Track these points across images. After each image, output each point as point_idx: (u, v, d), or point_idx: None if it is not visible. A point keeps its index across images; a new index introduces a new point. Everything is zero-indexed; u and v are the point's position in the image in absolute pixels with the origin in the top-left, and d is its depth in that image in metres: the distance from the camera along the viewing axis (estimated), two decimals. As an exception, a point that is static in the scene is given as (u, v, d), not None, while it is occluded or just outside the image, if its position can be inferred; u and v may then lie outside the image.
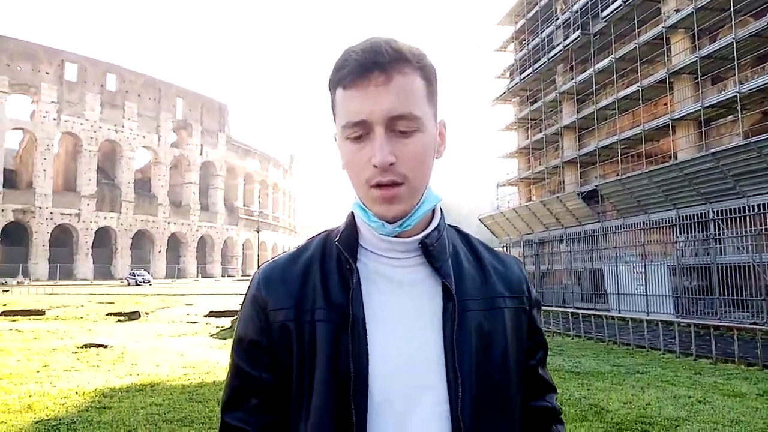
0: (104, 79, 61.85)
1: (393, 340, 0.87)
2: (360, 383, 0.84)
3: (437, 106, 0.92)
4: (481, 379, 0.88)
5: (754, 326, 12.11)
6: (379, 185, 0.85)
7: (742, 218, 17.14)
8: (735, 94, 20.43)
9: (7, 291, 33.89)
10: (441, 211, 0.98)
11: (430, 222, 0.95)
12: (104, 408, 6.94)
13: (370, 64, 0.83)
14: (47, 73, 56.31)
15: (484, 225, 38.97)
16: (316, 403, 0.86)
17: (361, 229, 0.94)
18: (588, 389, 8.11)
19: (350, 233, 0.94)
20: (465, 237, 1.03)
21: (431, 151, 0.90)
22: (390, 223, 0.88)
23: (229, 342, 13.64)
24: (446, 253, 0.93)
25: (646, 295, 18.41)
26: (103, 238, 60.90)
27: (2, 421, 6.22)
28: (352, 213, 0.96)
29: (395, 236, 0.91)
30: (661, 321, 13.52)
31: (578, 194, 27.54)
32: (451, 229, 1.02)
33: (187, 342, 13.53)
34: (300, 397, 0.88)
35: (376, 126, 0.83)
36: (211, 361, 10.54)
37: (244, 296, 0.99)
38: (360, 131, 0.85)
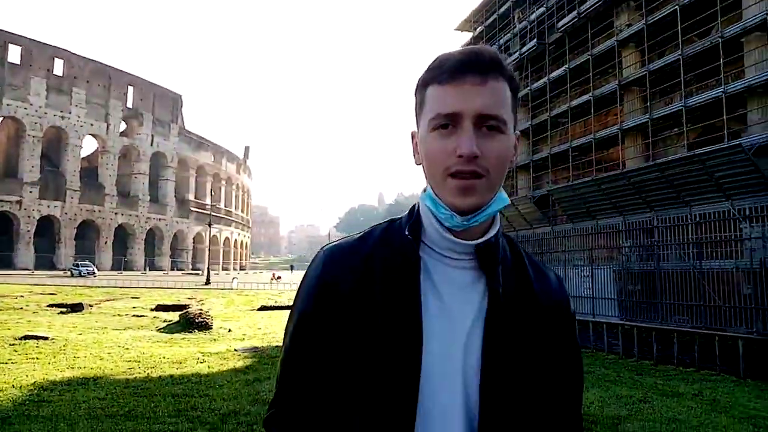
0: (51, 63, 59.45)
1: (443, 333, 0.91)
2: (411, 371, 0.88)
3: (517, 120, 0.98)
4: (515, 387, 0.92)
5: (693, 330, 12.64)
6: (458, 174, 0.88)
7: (685, 226, 17.86)
8: (681, 107, 21.28)
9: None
10: (500, 220, 1.02)
11: (489, 228, 0.98)
12: (43, 402, 6.68)
13: (470, 65, 0.89)
14: (-11, 53, 53.74)
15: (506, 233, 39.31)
16: (369, 387, 0.90)
17: (428, 227, 0.97)
18: (535, 388, 8.30)
19: (417, 226, 0.97)
20: (515, 247, 1.06)
21: (510, 155, 0.94)
22: (460, 215, 0.90)
23: (177, 336, 13.39)
24: (498, 259, 0.97)
25: (593, 297, 18.96)
26: (47, 228, 58.56)
27: (-68, 414, 5.91)
28: (417, 207, 1.00)
29: (457, 236, 0.94)
30: (606, 323, 13.95)
31: (530, 198, 28.13)
32: (504, 237, 1.05)
33: (133, 335, 13.15)
34: (353, 382, 0.91)
35: (466, 120, 0.88)
36: (156, 356, 10.28)
37: (304, 274, 1.02)
38: (448, 123, 0.89)
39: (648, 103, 23.70)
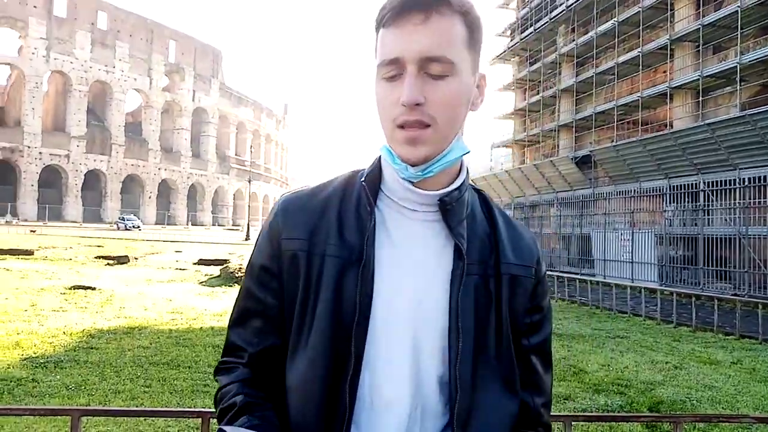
0: (95, 16, 60.11)
1: (399, 286, 0.89)
2: (362, 320, 0.86)
3: (479, 58, 0.91)
4: (479, 342, 0.90)
5: (734, 297, 12.34)
6: (404, 125, 0.84)
7: (732, 191, 17.25)
8: (735, 64, 20.21)
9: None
10: (467, 171, 0.98)
11: (455, 180, 0.94)
12: (91, 348, 7.03)
13: (410, 3, 0.82)
14: (35, 7, 54.56)
15: (476, 186, 38.91)
16: (316, 334, 0.88)
17: (385, 173, 0.94)
18: (568, 350, 8.30)
19: (375, 176, 0.94)
20: (486, 202, 1.02)
21: (464, 100, 0.89)
22: (413, 166, 0.87)
23: (218, 290, 13.77)
24: (463, 214, 0.93)
25: (632, 262, 18.66)
26: (93, 181, 60.37)
27: (-10, 358, 6.28)
28: (380, 157, 0.96)
29: (418, 187, 0.90)
30: (644, 288, 13.75)
31: (572, 159, 27.51)
32: (474, 192, 1.02)
33: (176, 288, 13.62)
34: (301, 326, 0.90)
35: (409, 65, 0.83)
36: (198, 308, 10.65)
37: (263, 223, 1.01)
38: (393, 70, 0.84)
39: (700, 60, 22.61)
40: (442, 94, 0.84)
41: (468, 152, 0.93)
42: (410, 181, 0.90)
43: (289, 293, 0.92)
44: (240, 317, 0.97)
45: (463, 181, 0.95)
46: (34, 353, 6.65)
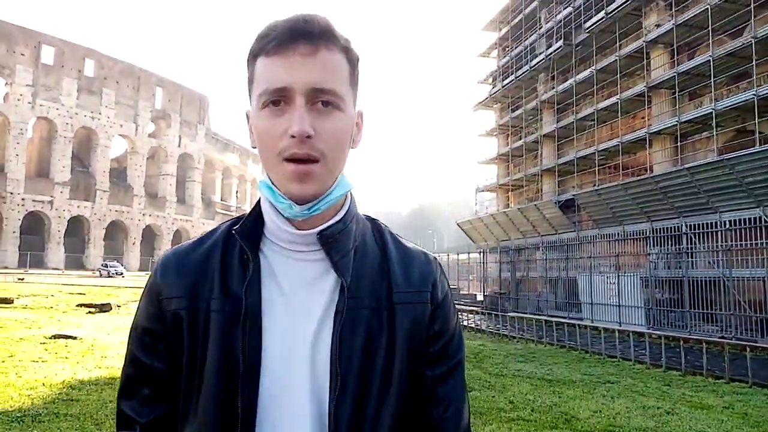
0: (82, 63, 60.62)
1: (287, 334, 0.84)
2: (250, 376, 0.82)
3: (357, 95, 0.90)
4: (363, 380, 0.84)
5: (722, 340, 12.37)
6: (294, 158, 0.80)
7: (714, 233, 17.50)
8: (711, 110, 20.87)
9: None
10: (352, 201, 0.94)
11: (337, 213, 0.90)
12: (72, 400, 6.81)
13: (298, 32, 0.80)
14: (23, 54, 54.92)
15: (462, 230, 39.18)
16: (205, 395, 0.83)
17: (266, 218, 0.89)
18: (559, 397, 8.21)
19: (254, 222, 0.90)
20: (379, 230, 0.97)
21: (349, 135, 0.87)
22: (299, 204, 0.83)
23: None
24: (349, 246, 0.89)
25: (619, 305, 18.70)
26: (76, 228, 59.72)
27: (-35, 412, 6.06)
28: (259, 201, 0.92)
29: (300, 226, 0.87)
30: (632, 332, 13.75)
31: (555, 203, 27.85)
32: (368, 222, 0.98)
33: (159, 336, 13.33)
34: (190, 387, 0.85)
35: (298, 96, 0.80)
36: (182, 357, 10.41)
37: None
38: (279, 100, 0.81)
39: (677, 106, 23.30)
40: (331, 128, 0.82)
41: (351, 188, 0.91)
42: (291, 221, 0.87)
43: (175, 355, 0.87)
44: (127, 386, 0.92)
45: (347, 212, 0.91)
46: (11, 407, 6.42)
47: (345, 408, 0.82)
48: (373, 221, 0.99)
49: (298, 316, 0.85)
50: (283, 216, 0.87)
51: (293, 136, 0.79)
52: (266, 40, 0.81)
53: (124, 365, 0.94)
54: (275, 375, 0.83)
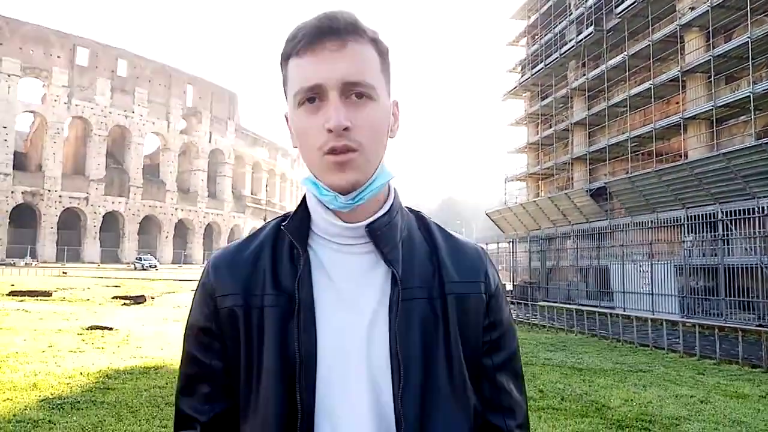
0: (115, 64, 61.90)
1: (343, 326, 0.85)
2: (307, 369, 0.83)
3: (390, 85, 0.91)
4: (426, 370, 0.85)
5: (759, 328, 12.04)
6: (333, 151, 0.82)
7: (752, 220, 17.02)
8: (748, 94, 20.23)
9: (21, 267, 34.19)
10: (396, 194, 0.95)
11: (383, 206, 0.91)
12: (108, 389, 7.00)
13: (325, 30, 0.82)
14: (59, 57, 56.39)
15: (491, 219, 38.90)
16: (264, 390, 0.84)
17: (314, 214, 0.91)
18: (590, 386, 8.11)
19: (301, 218, 0.92)
20: (424, 222, 0.99)
21: (385, 124, 0.88)
22: (343, 195, 0.85)
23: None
24: (397, 239, 0.90)
25: (652, 294, 18.35)
26: (111, 223, 61.19)
27: (8, 398, 6.28)
28: (305, 198, 0.94)
29: (347, 220, 0.88)
30: (665, 320, 13.48)
31: (587, 191, 27.42)
32: (411, 214, 0.99)
33: (192, 327, 13.59)
34: (249, 383, 0.87)
35: (331, 91, 0.82)
36: (214, 347, 10.59)
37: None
38: (314, 97, 0.83)
39: (712, 90, 22.64)
40: (366, 119, 0.83)
41: (393, 177, 0.92)
42: (337, 215, 0.89)
43: (232, 352, 0.89)
44: (186, 385, 0.93)
45: (392, 205, 0.92)
46: (51, 394, 6.64)
47: (409, 401, 0.82)
48: (416, 213, 1.00)
49: (351, 308, 0.86)
50: (330, 210, 0.89)
51: (330, 131, 0.81)
52: (295, 41, 0.84)
53: (181, 365, 0.95)
54: (332, 368, 0.83)
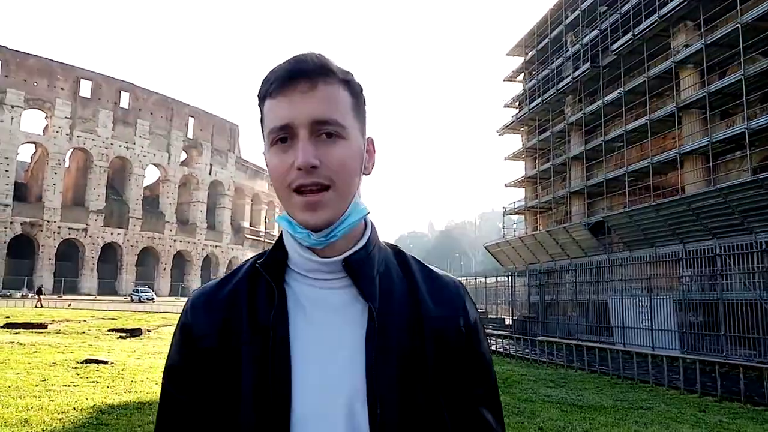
0: (118, 96, 62.59)
1: (317, 363, 0.85)
2: (282, 406, 0.82)
3: (365, 123, 0.93)
4: (403, 406, 0.84)
5: (760, 365, 11.93)
6: (302, 189, 0.84)
7: (750, 255, 17.02)
8: (743, 130, 20.46)
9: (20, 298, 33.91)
10: (373, 228, 0.96)
11: (359, 240, 0.92)
12: (101, 425, 6.89)
13: (295, 72, 0.85)
14: (62, 89, 57.03)
15: (490, 253, 38.86)
16: (240, 429, 0.84)
17: (290, 251, 0.92)
18: (590, 423, 8.00)
19: (277, 254, 0.93)
20: (401, 257, 0.99)
21: (357, 162, 0.89)
22: (315, 232, 0.86)
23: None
24: (374, 273, 0.90)
25: (651, 329, 18.22)
26: (109, 254, 61.03)
27: (-2, 435, 6.18)
28: (281, 235, 0.95)
29: (323, 255, 0.89)
30: (665, 356, 13.36)
31: (585, 225, 27.48)
32: (389, 248, 0.99)
33: (188, 361, 13.43)
34: (226, 422, 0.86)
35: (301, 130, 0.84)
36: (210, 381, 10.45)
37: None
38: (285, 137, 0.85)
39: (708, 126, 22.90)
40: (337, 157, 0.84)
41: (368, 213, 0.92)
42: (313, 250, 0.89)
43: (210, 392, 0.88)
44: (163, 425, 0.93)
45: (368, 239, 0.92)
46: (43, 430, 6.53)
47: None
48: (394, 248, 1.00)
49: (327, 343, 0.86)
50: (305, 246, 0.89)
51: (300, 168, 0.82)
52: (269, 84, 0.87)
53: (159, 405, 0.95)
54: (308, 404, 0.83)
